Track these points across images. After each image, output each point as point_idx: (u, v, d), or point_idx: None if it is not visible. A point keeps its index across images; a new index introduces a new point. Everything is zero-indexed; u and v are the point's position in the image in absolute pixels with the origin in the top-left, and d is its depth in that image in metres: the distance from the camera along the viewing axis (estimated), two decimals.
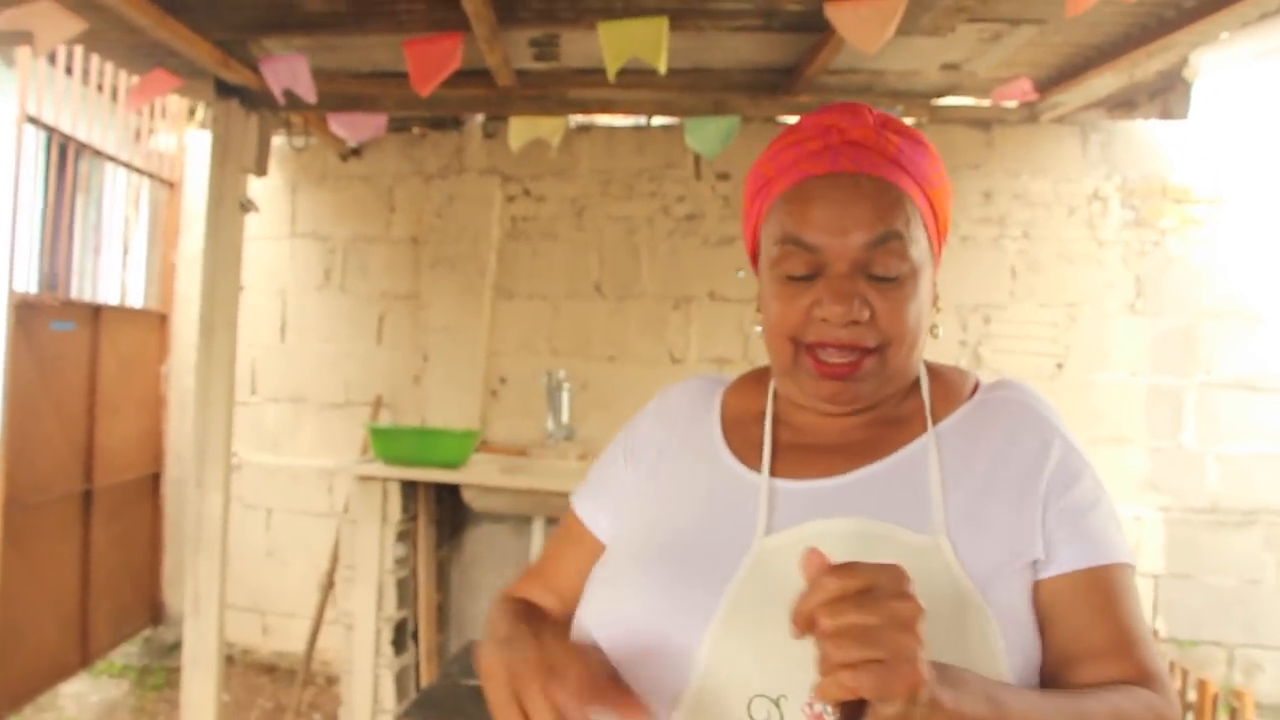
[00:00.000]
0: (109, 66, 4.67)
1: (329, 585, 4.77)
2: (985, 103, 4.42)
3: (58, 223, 4.66)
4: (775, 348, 1.08)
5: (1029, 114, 4.54)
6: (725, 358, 4.89)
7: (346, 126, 4.33)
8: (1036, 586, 1.00)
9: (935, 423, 1.08)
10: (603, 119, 5.00)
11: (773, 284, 1.07)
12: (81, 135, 4.73)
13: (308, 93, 3.67)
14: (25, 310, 4.30)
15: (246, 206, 4.13)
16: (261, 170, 4.23)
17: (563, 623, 1.13)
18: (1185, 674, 3.62)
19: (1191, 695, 3.49)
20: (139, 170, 5.31)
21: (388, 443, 4.31)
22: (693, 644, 0.96)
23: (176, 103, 5.50)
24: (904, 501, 1.01)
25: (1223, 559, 4.63)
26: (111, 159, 5.06)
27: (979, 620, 0.94)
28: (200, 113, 5.55)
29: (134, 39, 3.70)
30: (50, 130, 4.49)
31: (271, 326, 5.36)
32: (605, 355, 4.98)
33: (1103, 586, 1.01)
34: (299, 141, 5.14)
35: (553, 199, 5.05)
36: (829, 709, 0.79)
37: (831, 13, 2.99)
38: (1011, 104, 4.44)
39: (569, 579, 1.19)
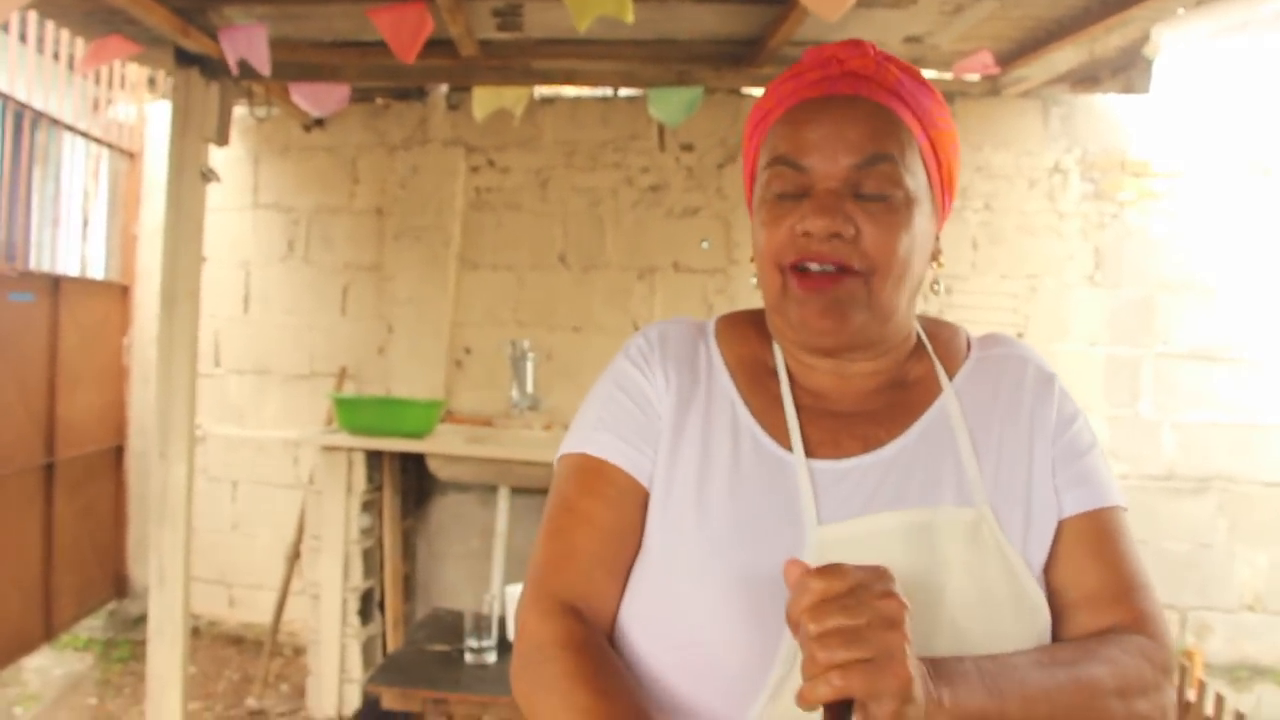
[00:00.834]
0: (65, 34, 4.60)
1: (295, 556, 4.77)
2: (948, 76, 4.44)
3: (14, 193, 4.59)
4: (764, 279, 1.04)
5: (991, 87, 4.57)
6: None
7: (309, 99, 4.29)
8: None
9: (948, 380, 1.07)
10: (567, 90, 4.99)
11: (762, 210, 1.03)
12: (38, 104, 4.66)
13: (262, 64, 3.62)
14: None
15: (208, 176, 4.09)
16: (223, 140, 4.19)
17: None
18: None
19: None
20: (98, 140, 5.24)
21: (352, 413, 4.31)
22: (769, 648, 0.93)
23: (136, 72, 5.43)
24: (942, 473, 1.00)
25: (1178, 525, 4.73)
26: (70, 129, 4.99)
27: (1033, 592, 0.96)
28: (160, 83, 5.48)
29: (89, 4, 3.65)
30: (5, 98, 4.43)
31: (235, 298, 5.33)
32: (570, 326, 5.00)
33: (1100, 531, 1.01)
34: (261, 112, 5.09)
35: (517, 170, 5.04)
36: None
37: None
38: (974, 77, 4.47)
39: (626, 545, 1.04)
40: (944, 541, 0.96)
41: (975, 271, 4.78)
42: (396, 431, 4.27)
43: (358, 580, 4.40)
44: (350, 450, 4.35)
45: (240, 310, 5.34)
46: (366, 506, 4.43)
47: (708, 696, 0.96)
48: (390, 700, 2.86)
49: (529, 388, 4.61)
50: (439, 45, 3.94)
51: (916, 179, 1.01)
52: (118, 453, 5.56)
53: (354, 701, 4.35)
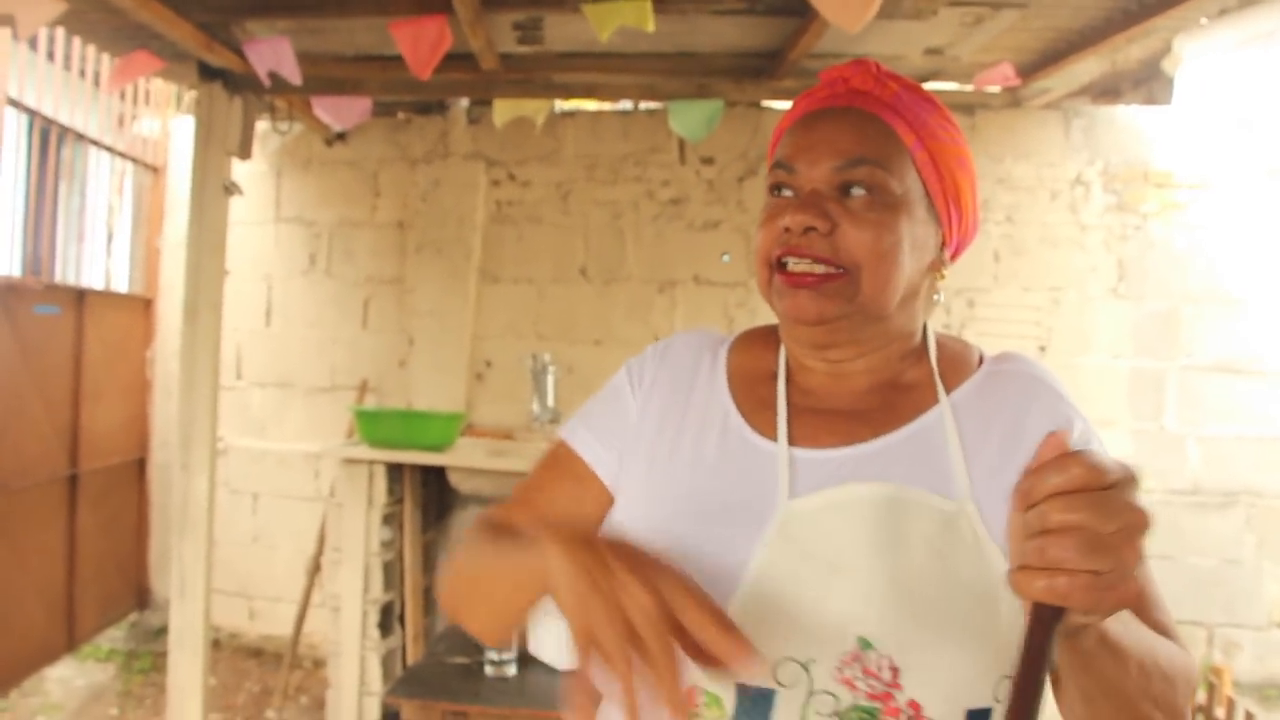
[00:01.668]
0: (91, 51, 4.65)
1: (315, 569, 4.77)
2: (968, 88, 4.43)
3: (40, 207, 4.65)
4: (758, 275, 1.08)
5: (1012, 99, 4.55)
6: None
7: (331, 112, 4.32)
8: None
9: (947, 392, 1.07)
10: (588, 104, 5.00)
11: (762, 213, 1.08)
12: (64, 120, 4.72)
13: (293, 74, 3.67)
14: (8, 293, 4.29)
15: (230, 189, 4.12)
16: (245, 153, 4.22)
17: None
18: None
19: None
20: (123, 155, 5.30)
21: (373, 425, 4.32)
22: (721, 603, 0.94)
23: (160, 88, 5.48)
24: (926, 470, 1.00)
25: (1204, 540, 4.68)
26: (95, 143, 5.05)
27: (1007, 590, 0.93)
28: (184, 98, 5.53)
29: (116, 21, 3.69)
30: (33, 114, 4.48)
31: (257, 311, 5.36)
32: (591, 339, 5.00)
33: None
34: (284, 126, 5.13)
35: (538, 183, 5.05)
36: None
37: None
38: (994, 89, 4.46)
39: (560, 509, 1.14)
40: (914, 520, 0.95)
41: (997, 284, 4.75)
42: (417, 444, 4.27)
43: (378, 593, 4.40)
44: (371, 463, 4.35)
45: (262, 323, 5.36)
46: (387, 519, 4.44)
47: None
48: (410, 713, 2.85)
49: (550, 401, 4.61)
50: (460, 59, 3.96)
51: (905, 184, 1.03)
52: (140, 465, 5.60)
53: (374, 714, 4.34)
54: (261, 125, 4.75)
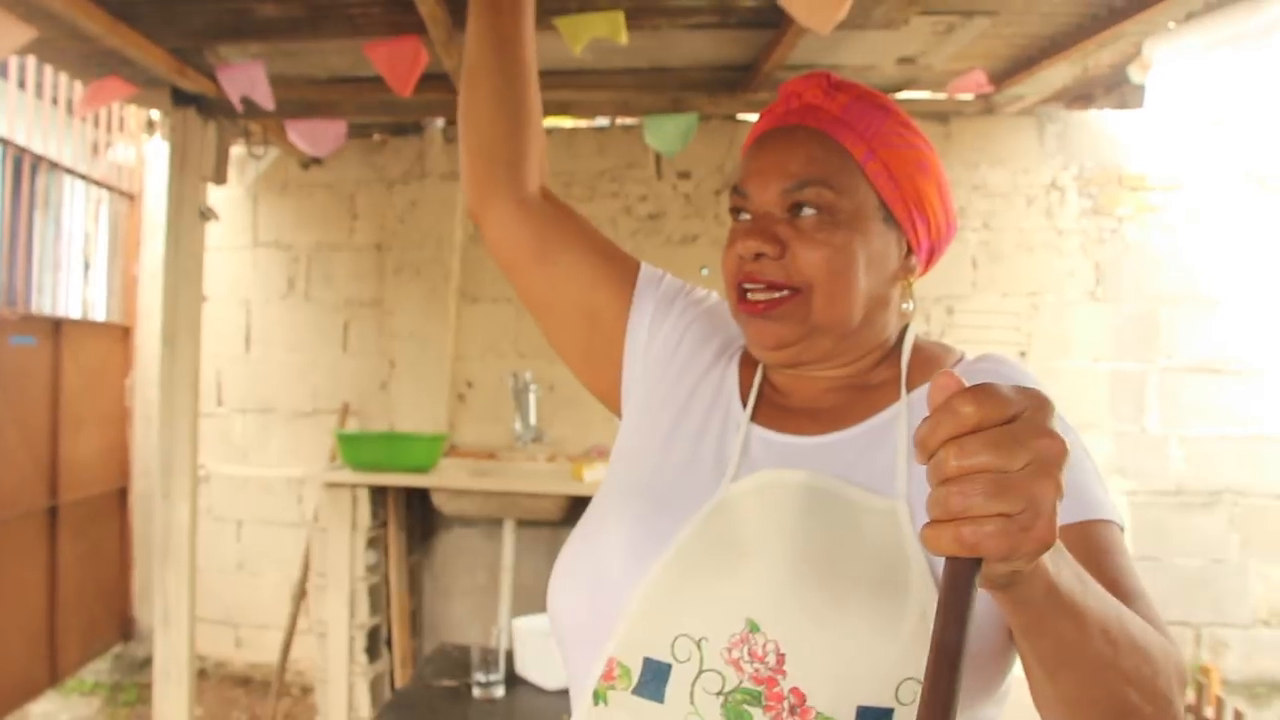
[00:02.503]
0: (64, 79, 4.63)
1: (301, 594, 4.74)
2: (942, 96, 4.46)
3: (15, 237, 4.61)
4: (729, 298, 1.10)
5: (985, 106, 4.58)
6: None
7: (306, 138, 4.30)
8: None
9: (909, 391, 1.06)
10: (564, 120, 5.00)
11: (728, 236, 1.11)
12: (38, 149, 4.69)
13: (265, 99, 3.65)
14: None
15: (206, 215, 4.10)
16: (220, 179, 4.20)
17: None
18: None
19: None
20: (98, 183, 5.27)
21: (356, 449, 4.30)
22: (635, 580, 0.97)
23: (134, 115, 5.46)
24: (870, 465, 1.00)
25: (1189, 540, 4.69)
26: (69, 172, 5.02)
27: (920, 589, 0.90)
28: (159, 124, 5.51)
29: (86, 48, 3.67)
30: (5, 144, 4.45)
31: (236, 337, 5.33)
32: None
33: (1090, 543, 0.93)
34: (259, 151, 5.11)
35: None
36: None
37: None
38: (968, 96, 4.48)
39: (586, 252, 1.23)
40: (829, 511, 0.96)
41: (976, 290, 4.77)
42: (400, 466, 4.26)
43: (364, 617, 4.37)
44: (354, 487, 4.33)
45: (242, 349, 5.33)
46: (372, 543, 4.41)
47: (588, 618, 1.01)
48: None
49: (532, 420, 4.60)
50: (434, 79, 3.95)
51: (855, 199, 1.03)
52: (122, 495, 5.55)
53: None
54: (237, 150, 4.74)
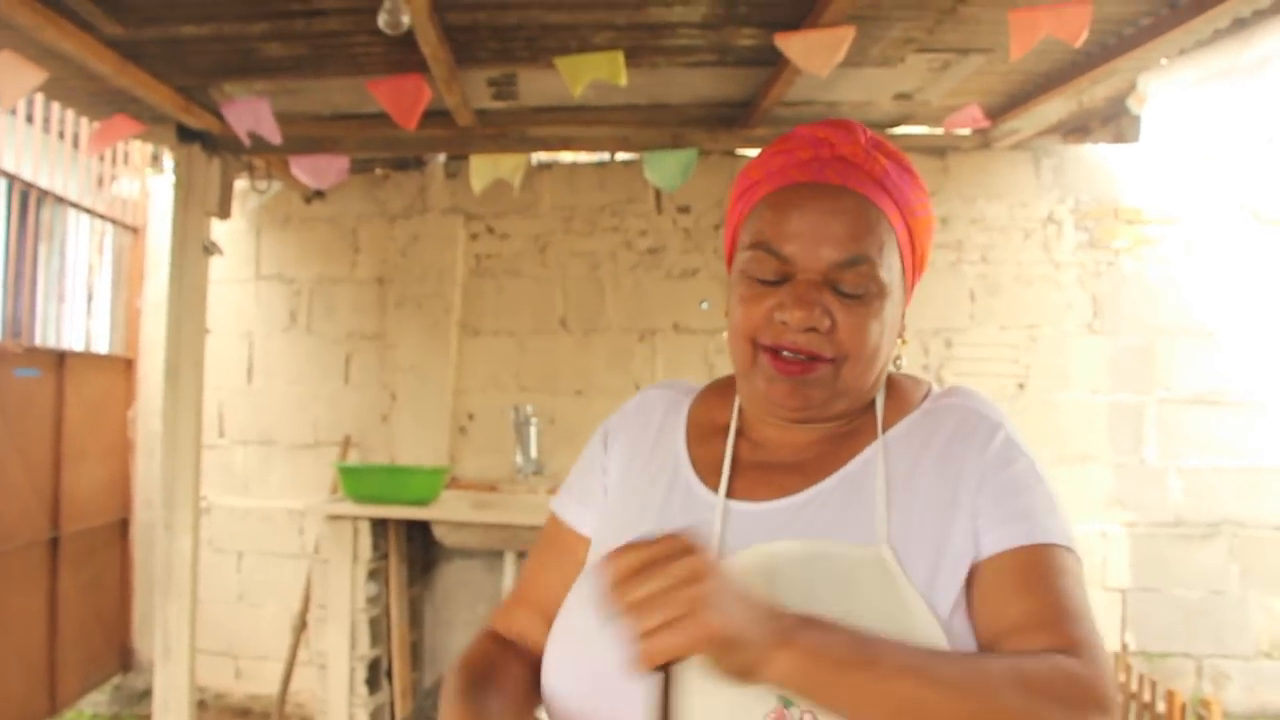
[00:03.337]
0: (70, 113, 4.68)
1: (301, 626, 4.74)
2: (938, 131, 4.50)
3: (20, 270, 4.65)
4: (736, 348, 1.09)
5: (982, 140, 4.63)
6: None
7: (309, 172, 4.35)
8: (969, 574, 0.98)
9: (883, 431, 1.09)
10: (564, 155, 5.05)
11: (740, 285, 1.07)
12: (43, 183, 4.73)
13: (272, 134, 3.70)
14: None
15: (210, 249, 4.14)
16: (224, 213, 4.25)
17: (525, 679, 1.12)
18: (1154, 685, 3.67)
19: (1160, 706, 3.55)
20: (102, 216, 5.31)
21: (357, 481, 4.32)
22: (649, 683, 0.93)
23: (139, 149, 5.51)
24: (849, 515, 1.02)
25: (1188, 571, 4.69)
26: (74, 205, 5.06)
27: (925, 628, 0.94)
28: (163, 159, 5.56)
29: (95, 86, 3.73)
30: (11, 178, 4.49)
31: (238, 369, 5.36)
32: (572, 389, 5.01)
33: (1031, 565, 0.97)
34: (262, 185, 5.16)
35: (516, 236, 5.09)
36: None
37: (781, 42, 3.06)
38: (965, 131, 4.53)
39: (553, 591, 1.16)
40: (839, 572, 0.97)
41: (974, 323, 4.80)
42: (401, 499, 4.27)
43: (365, 649, 4.37)
44: (355, 519, 4.34)
45: (244, 381, 5.36)
46: (372, 575, 4.42)
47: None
48: None
49: (533, 452, 4.62)
50: (436, 115, 4.01)
51: (892, 273, 1.05)
52: (123, 526, 5.56)
53: None
54: (240, 184, 4.78)
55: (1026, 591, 0.96)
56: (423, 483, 4.31)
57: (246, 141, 3.80)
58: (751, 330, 1.05)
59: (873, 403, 1.13)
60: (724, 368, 4.07)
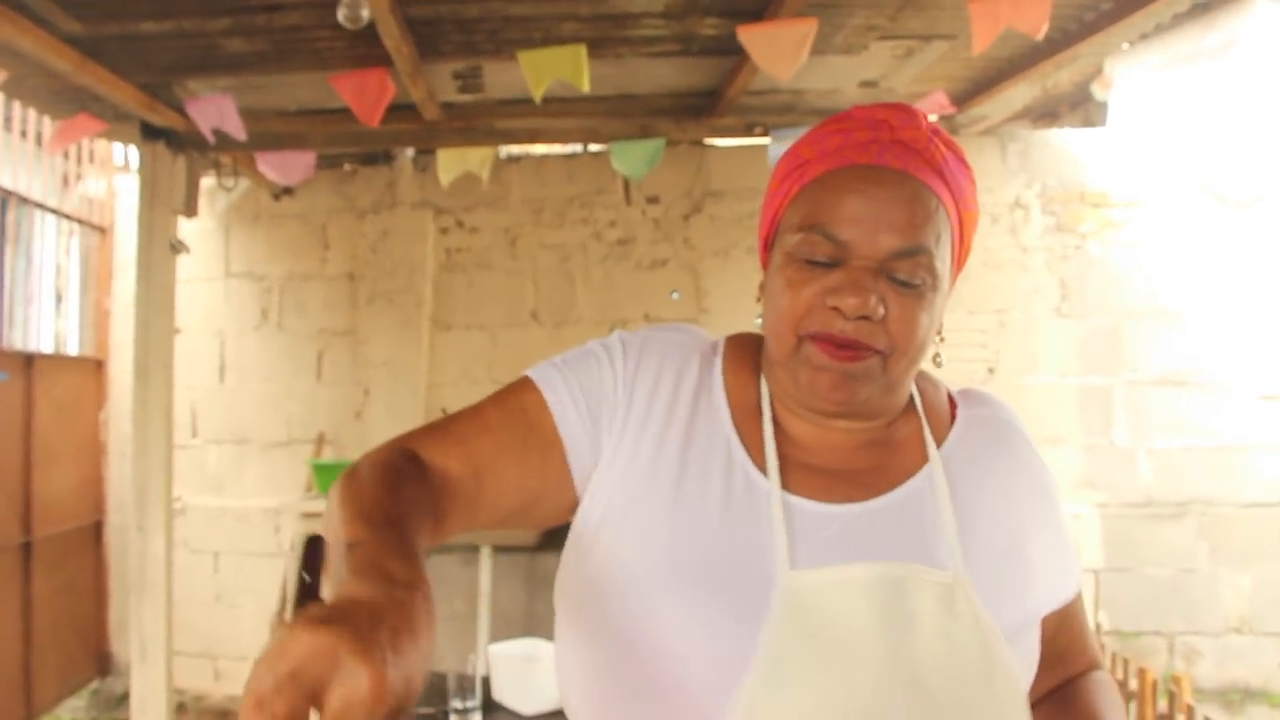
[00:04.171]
0: (33, 114, 4.64)
1: (280, 625, 4.72)
2: None
3: None
4: (777, 336, 1.00)
5: (949, 127, 4.65)
6: None
7: (276, 168, 4.32)
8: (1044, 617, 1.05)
9: (934, 445, 1.05)
10: (533, 148, 5.05)
11: (788, 267, 0.99)
12: (7, 183, 4.69)
13: (237, 130, 3.68)
14: None
15: (177, 248, 4.12)
16: (191, 211, 4.22)
17: (460, 498, 0.97)
18: (1126, 664, 3.70)
19: (1133, 684, 3.58)
20: (69, 217, 5.27)
21: (332, 478, 4.30)
22: (728, 685, 0.89)
23: (105, 148, 5.47)
24: (922, 537, 0.98)
25: (1159, 550, 4.75)
26: (40, 206, 5.02)
27: (1005, 657, 0.94)
28: (129, 156, 5.52)
29: (55, 84, 3.70)
30: None
31: (210, 368, 5.33)
32: None
33: (1078, 602, 1.10)
34: (229, 183, 5.13)
35: (486, 229, 5.08)
36: None
37: (744, 37, 3.07)
38: (932, 118, 4.54)
39: (502, 463, 1.00)
40: (915, 599, 0.93)
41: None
42: None
43: None
44: None
45: (216, 380, 5.33)
46: None
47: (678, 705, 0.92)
48: None
49: None
50: (403, 109, 4.00)
51: (944, 264, 0.99)
52: (97, 529, 5.52)
53: None
54: (207, 182, 4.76)
55: (1073, 620, 1.10)
56: None
57: (211, 139, 3.78)
58: (798, 316, 0.97)
59: (911, 404, 1.09)
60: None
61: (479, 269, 5.08)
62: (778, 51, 3.02)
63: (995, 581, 0.97)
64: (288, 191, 5.21)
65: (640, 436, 1.01)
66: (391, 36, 3.12)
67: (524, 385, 1.03)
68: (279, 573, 4.93)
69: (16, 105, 4.57)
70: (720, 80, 3.94)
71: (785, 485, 0.98)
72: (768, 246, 1.07)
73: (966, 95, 4.25)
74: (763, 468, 0.99)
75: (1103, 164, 4.79)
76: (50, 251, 5.25)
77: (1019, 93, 4.21)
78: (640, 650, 0.93)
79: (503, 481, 0.99)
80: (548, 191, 5.05)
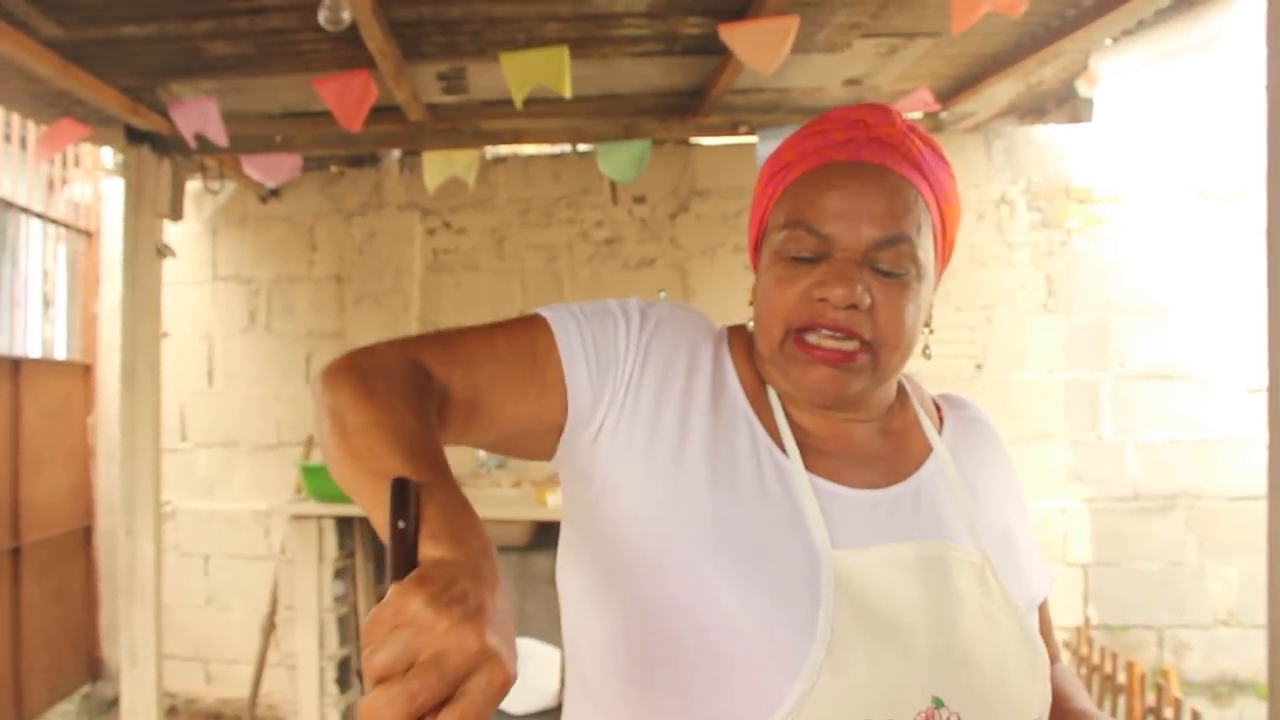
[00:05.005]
0: (16, 118, 4.63)
1: (270, 628, 4.73)
2: None
3: None
4: (766, 334, 1.03)
5: (934, 124, 4.66)
6: None
7: (262, 170, 4.32)
8: None
9: (935, 434, 1.12)
10: (520, 148, 5.05)
11: (775, 266, 1.02)
12: None
13: (218, 135, 3.68)
14: None
15: (163, 252, 4.12)
16: (176, 215, 4.22)
17: (454, 419, 0.98)
18: (1115, 657, 3.72)
19: (1122, 678, 3.60)
20: (55, 221, 5.26)
21: (321, 480, 4.30)
22: (796, 660, 0.90)
23: (90, 151, 5.46)
24: (944, 520, 1.03)
25: (1147, 544, 4.76)
26: (26, 210, 5.01)
27: (1032, 633, 1.02)
28: (114, 160, 5.51)
29: (37, 89, 3.69)
30: None
31: (199, 372, 5.33)
32: None
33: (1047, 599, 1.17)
34: (215, 186, 5.13)
35: (473, 230, 5.08)
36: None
37: (726, 35, 3.07)
38: (916, 115, 4.55)
39: (500, 395, 1.00)
40: (957, 577, 0.98)
41: None
42: None
43: (334, 648, 4.37)
44: (320, 518, 4.34)
45: (205, 383, 5.33)
46: (339, 574, 4.42)
47: (733, 691, 0.92)
48: None
49: None
50: (388, 111, 4.00)
51: (927, 255, 1.02)
52: (86, 533, 5.51)
53: None
54: (194, 185, 4.75)
55: (1044, 612, 1.17)
56: None
57: (192, 143, 3.77)
58: (787, 313, 1.00)
59: (904, 396, 1.14)
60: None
61: (466, 270, 5.08)
62: (760, 48, 3.03)
63: (1005, 565, 1.04)
64: (274, 194, 5.20)
65: (658, 410, 1.01)
66: (374, 38, 3.13)
67: (537, 323, 1.04)
68: (269, 575, 4.93)
69: None
70: (705, 79, 3.95)
71: (808, 469, 1.01)
72: (757, 249, 1.10)
73: (951, 92, 4.26)
74: (784, 451, 1.02)
75: (1088, 160, 4.81)
76: (37, 256, 5.24)
77: (1004, 89, 4.22)
78: (700, 621, 0.92)
79: (496, 413, 1.00)
80: (534, 192, 5.05)
